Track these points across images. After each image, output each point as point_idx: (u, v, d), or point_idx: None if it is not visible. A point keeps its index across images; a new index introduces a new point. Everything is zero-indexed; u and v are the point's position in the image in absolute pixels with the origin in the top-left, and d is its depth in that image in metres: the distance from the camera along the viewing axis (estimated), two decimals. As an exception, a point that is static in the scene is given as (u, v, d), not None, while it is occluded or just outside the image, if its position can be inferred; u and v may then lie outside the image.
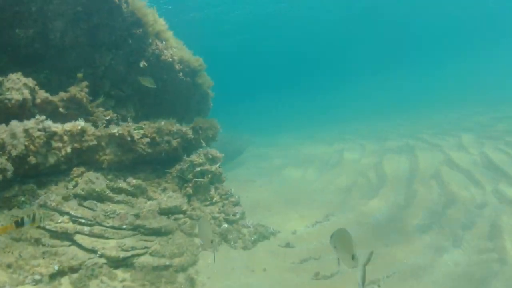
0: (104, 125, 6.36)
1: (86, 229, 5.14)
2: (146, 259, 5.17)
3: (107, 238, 5.20)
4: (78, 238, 5.05)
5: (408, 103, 31.06)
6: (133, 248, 5.18)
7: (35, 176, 5.46)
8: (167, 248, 5.38)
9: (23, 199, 5.14)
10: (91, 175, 5.60)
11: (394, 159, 11.92)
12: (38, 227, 4.70)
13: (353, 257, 2.37)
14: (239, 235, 6.58)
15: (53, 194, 5.26)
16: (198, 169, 6.80)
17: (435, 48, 53.98)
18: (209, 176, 6.89)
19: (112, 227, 5.31)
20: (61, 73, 6.57)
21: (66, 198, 5.29)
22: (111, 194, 5.69)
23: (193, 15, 27.30)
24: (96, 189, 5.46)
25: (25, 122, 5.10)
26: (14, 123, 4.93)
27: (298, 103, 46.03)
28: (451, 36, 48.52)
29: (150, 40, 7.15)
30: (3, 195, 5.02)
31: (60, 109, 5.90)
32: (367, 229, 7.42)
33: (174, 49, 7.96)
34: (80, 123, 5.67)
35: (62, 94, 5.90)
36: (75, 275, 4.59)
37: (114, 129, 5.65)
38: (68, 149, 5.48)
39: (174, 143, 6.79)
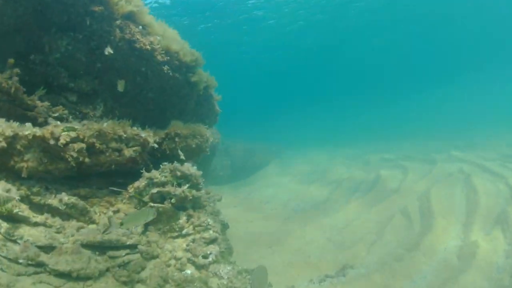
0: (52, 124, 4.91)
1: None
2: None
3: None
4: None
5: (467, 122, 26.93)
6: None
7: None
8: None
9: None
10: None
11: (444, 190, 9.18)
12: None
13: None
14: (202, 292, 4.65)
15: None
16: (155, 190, 5.05)
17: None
18: (172, 200, 5.10)
19: (6, 258, 3.74)
20: (4, 61, 5.29)
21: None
22: (26, 213, 4.16)
23: (231, 21, 26.27)
24: None
25: None
26: None
27: (342, 118, 43.33)
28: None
29: (118, 23, 5.65)
30: None
31: (-13, 102, 4.57)
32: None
33: (158, 37, 6.40)
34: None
35: (-13, 83, 4.57)
36: None
37: (28, 129, 4.16)
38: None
39: (128, 152, 5.14)
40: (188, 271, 4.82)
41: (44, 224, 4.35)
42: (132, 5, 5.69)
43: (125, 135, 5.11)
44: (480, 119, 27.46)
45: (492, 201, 8.00)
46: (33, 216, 4.29)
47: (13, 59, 4.75)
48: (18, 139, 4.25)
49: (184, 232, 5.39)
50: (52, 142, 4.28)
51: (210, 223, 5.44)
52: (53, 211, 4.58)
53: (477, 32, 31.60)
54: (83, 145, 4.54)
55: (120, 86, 5.72)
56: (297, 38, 28.27)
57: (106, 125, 4.93)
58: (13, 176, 4.45)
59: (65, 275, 3.91)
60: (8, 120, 4.53)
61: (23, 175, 4.37)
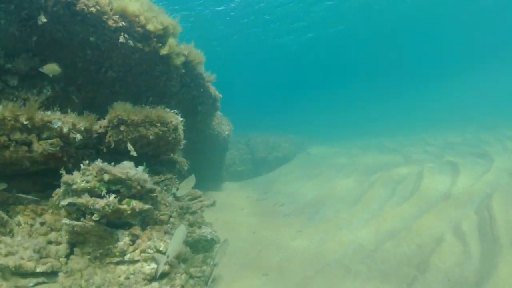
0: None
1: None
2: None
3: None
4: None
5: None
6: None
7: None
8: None
9: None
10: None
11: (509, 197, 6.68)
12: None
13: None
14: None
15: None
16: (65, 201, 3.51)
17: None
18: (94, 216, 3.56)
19: None
20: None
21: None
22: None
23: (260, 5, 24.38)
24: None
25: None
26: None
27: (367, 107, 39.85)
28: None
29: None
30: None
31: None
32: None
33: (109, -5, 4.87)
34: None
35: None
36: None
37: None
38: None
39: (40, 147, 3.68)
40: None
41: None
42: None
43: (31, 123, 3.64)
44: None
45: None
46: None
47: None
48: None
49: (127, 258, 3.85)
50: None
51: (160, 248, 3.84)
52: None
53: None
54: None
55: (48, 68, 4.26)
56: (324, 26, 25.73)
57: (2, 109, 3.50)
58: None
59: None
60: None
61: None
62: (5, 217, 3.86)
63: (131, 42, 5.17)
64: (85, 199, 3.51)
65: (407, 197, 8.10)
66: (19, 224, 3.97)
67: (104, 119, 4.73)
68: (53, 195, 3.95)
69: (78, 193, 3.56)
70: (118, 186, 3.89)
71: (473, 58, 39.71)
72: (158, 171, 5.69)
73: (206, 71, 7.39)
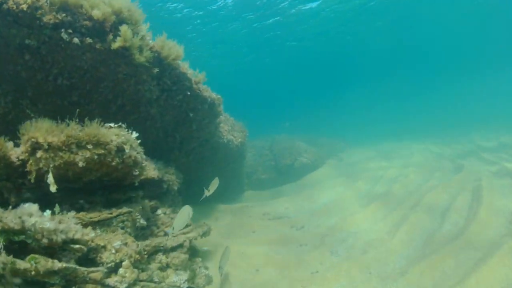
0: None
1: None
2: None
3: None
4: None
5: None
6: None
7: None
8: None
9: None
10: None
11: None
12: None
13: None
14: None
15: None
16: None
17: None
18: None
19: None
20: None
21: None
22: None
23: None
24: None
25: None
26: None
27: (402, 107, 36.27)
28: None
29: None
30: None
31: None
32: None
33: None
34: None
35: None
36: None
37: None
38: None
39: None
40: None
41: None
42: None
43: None
44: None
45: None
46: None
47: None
48: None
49: None
50: None
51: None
52: None
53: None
54: None
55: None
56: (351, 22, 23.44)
57: None
58: None
59: None
60: None
61: None
62: None
63: (76, 40, 3.99)
64: None
65: (459, 229, 6.11)
66: None
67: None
68: None
69: None
70: (22, 237, 2.69)
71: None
72: (121, 201, 4.49)
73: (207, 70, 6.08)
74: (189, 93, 5.65)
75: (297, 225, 7.94)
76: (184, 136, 6.98)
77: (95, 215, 4.19)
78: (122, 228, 4.31)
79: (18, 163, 3.40)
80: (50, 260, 2.73)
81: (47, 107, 4.71)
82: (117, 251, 3.93)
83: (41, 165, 3.23)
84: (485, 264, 4.59)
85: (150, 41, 4.64)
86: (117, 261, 3.91)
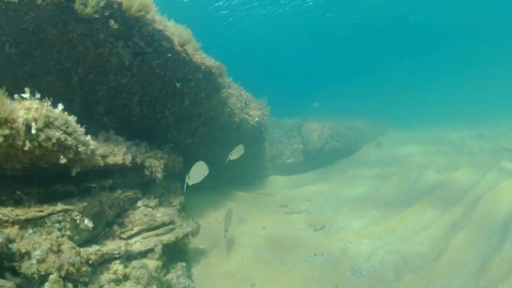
0: None
1: None
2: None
3: None
4: None
5: None
6: None
7: None
8: None
9: None
10: None
11: None
12: None
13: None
14: None
15: None
16: None
17: None
18: None
19: None
20: None
21: None
22: None
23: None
24: None
25: None
26: None
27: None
28: None
29: None
30: None
31: None
32: None
33: None
34: None
35: None
36: None
37: None
38: None
39: None
40: None
41: None
42: None
43: None
44: None
45: None
46: None
47: None
48: None
49: None
50: None
51: None
52: None
53: None
54: None
55: None
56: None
57: None
58: None
59: None
60: None
61: None
62: None
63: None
64: None
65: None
66: None
67: None
68: None
69: None
70: None
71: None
72: (68, 194, 3.46)
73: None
74: (169, 55, 4.36)
75: (317, 224, 6.54)
76: (179, 113, 5.78)
77: (22, 212, 3.19)
78: (60, 229, 3.27)
79: None
80: None
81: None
82: (40, 261, 2.91)
83: None
84: None
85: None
86: (42, 273, 2.90)
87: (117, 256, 3.77)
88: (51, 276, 2.96)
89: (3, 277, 2.91)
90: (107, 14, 3.51)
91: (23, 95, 2.63)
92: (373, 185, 8.44)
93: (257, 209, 7.74)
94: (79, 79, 4.23)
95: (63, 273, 3.00)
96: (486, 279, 3.98)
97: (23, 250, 3.00)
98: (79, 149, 2.99)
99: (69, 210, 3.21)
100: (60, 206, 3.15)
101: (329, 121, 12.86)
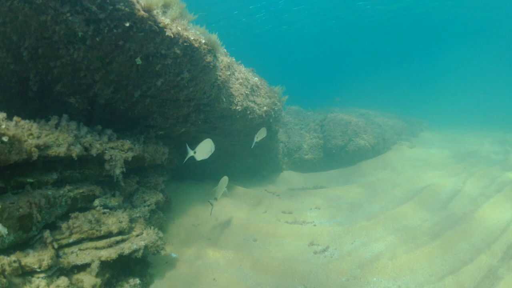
0: None
1: None
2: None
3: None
4: None
5: None
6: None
7: None
8: None
9: None
10: None
11: None
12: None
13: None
14: None
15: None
16: None
17: None
18: None
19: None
20: None
21: None
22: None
23: None
24: None
25: None
26: None
27: None
28: None
29: None
30: None
31: None
32: None
33: None
34: None
35: None
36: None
37: None
38: None
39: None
40: None
41: None
42: None
43: None
44: None
45: None
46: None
47: None
48: None
49: None
50: None
51: None
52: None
53: None
54: None
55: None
56: None
57: None
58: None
59: None
60: None
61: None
62: None
63: None
64: None
65: None
66: None
67: None
68: None
69: None
70: None
71: None
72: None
73: None
74: (128, 24, 3.30)
75: (320, 244, 5.40)
76: (162, 97, 4.78)
77: None
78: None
79: None
80: None
81: None
82: None
83: None
84: None
85: None
86: None
87: (38, 270, 2.94)
88: None
89: None
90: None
91: None
92: (400, 197, 7.05)
93: (254, 213, 6.70)
94: (30, 54, 3.37)
95: None
96: None
97: None
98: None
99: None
100: None
101: (355, 115, 11.36)
